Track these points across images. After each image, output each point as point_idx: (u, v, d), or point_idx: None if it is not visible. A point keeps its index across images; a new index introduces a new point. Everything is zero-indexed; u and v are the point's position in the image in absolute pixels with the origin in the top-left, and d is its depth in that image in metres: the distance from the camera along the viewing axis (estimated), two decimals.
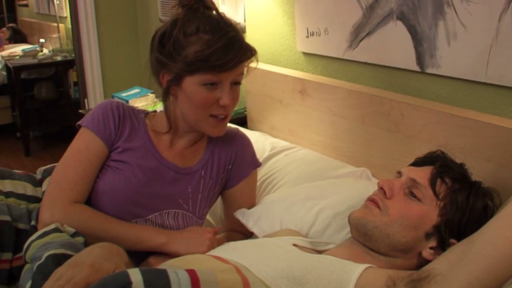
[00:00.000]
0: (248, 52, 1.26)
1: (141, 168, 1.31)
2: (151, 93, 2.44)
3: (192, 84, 1.24)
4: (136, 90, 2.46)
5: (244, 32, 2.24)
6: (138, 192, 1.29)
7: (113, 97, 2.47)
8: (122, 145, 1.31)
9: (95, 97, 3.43)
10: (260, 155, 1.54)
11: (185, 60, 1.22)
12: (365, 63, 1.76)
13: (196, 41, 1.22)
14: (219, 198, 1.49)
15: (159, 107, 2.37)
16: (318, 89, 1.85)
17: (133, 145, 1.33)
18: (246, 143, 1.47)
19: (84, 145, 1.29)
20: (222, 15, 1.28)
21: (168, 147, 1.37)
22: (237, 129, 1.49)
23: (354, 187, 1.48)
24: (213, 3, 1.30)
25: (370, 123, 1.65)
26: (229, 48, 1.22)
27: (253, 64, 1.31)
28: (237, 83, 1.30)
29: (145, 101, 2.36)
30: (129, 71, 3.45)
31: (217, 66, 1.22)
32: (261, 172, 1.70)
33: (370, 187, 1.43)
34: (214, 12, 1.30)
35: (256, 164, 1.48)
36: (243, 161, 1.44)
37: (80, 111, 2.76)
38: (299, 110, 1.95)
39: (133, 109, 1.40)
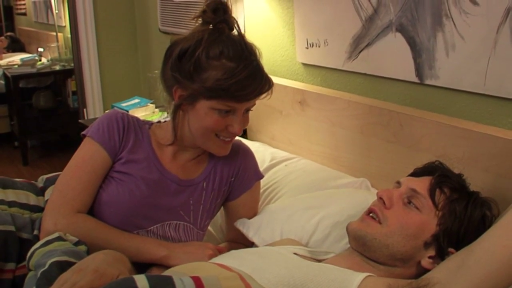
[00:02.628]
0: (267, 85, 1.27)
1: (144, 180, 1.32)
2: (151, 103, 2.46)
3: (205, 107, 1.25)
4: (136, 100, 2.49)
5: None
6: (140, 204, 1.30)
7: (112, 107, 2.48)
8: (126, 157, 1.33)
9: (94, 106, 3.45)
10: (260, 165, 1.55)
11: (204, 84, 1.22)
12: (365, 74, 1.79)
13: (218, 67, 1.22)
14: (221, 209, 1.51)
15: (159, 117, 2.40)
16: (318, 99, 1.87)
17: (137, 157, 1.34)
18: (249, 155, 1.48)
19: (89, 155, 1.30)
20: (244, 38, 1.28)
21: (171, 159, 1.38)
22: (240, 141, 1.50)
23: (354, 197, 1.49)
24: (237, 25, 1.30)
25: (369, 133, 1.67)
26: (251, 79, 1.23)
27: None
28: (249, 110, 1.32)
29: (145, 111, 2.39)
30: (128, 81, 3.47)
31: (237, 97, 1.23)
32: (261, 182, 1.70)
33: (369, 197, 1.45)
34: (237, 33, 1.29)
35: (259, 176, 1.50)
36: (246, 174, 1.45)
37: (79, 121, 2.78)
38: (299, 121, 1.96)
39: (137, 120, 1.41)
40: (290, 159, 1.90)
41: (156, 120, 1.54)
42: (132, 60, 3.48)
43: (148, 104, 2.45)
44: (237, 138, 1.41)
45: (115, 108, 2.46)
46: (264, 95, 1.29)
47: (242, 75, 1.21)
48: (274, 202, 1.64)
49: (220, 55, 1.22)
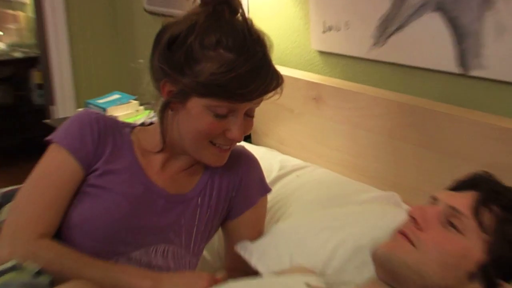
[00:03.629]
0: (275, 81, 1.27)
1: (125, 195, 1.32)
2: (134, 99, 2.47)
3: (198, 106, 1.25)
4: (116, 96, 2.49)
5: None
6: (120, 224, 1.30)
7: (87, 104, 2.50)
8: (102, 167, 1.33)
9: (64, 103, 3.47)
10: (266, 176, 1.56)
11: (197, 78, 1.22)
12: (394, 64, 1.79)
13: (214, 58, 1.22)
14: (219, 230, 1.51)
15: (144, 116, 2.40)
16: (337, 95, 1.87)
17: (116, 167, 1.34)
18: (253, 164, 1.48)
19: (55, 166, 1.30)
20: (250, 24, 1.27)
21: (158, 170, 1.38)
22: (243, 147, 1.50)
23: (380, 215, 1.49)
24: (241, 7, 1.29)
25: (399, 137, 1.67)
26: (254, 75, 1.22)
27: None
28: (252, 112, 1.32)
29: (127, 109, 2.40)
30: (106, 72, 3.48)
31: (236, 95, 1.23)
32: (269, 197, 1.71)
33: (399, 215, 1.41)
34: (241, 18, 1.28)
35: (265, 190, 1.50)
36: (250, 187, 1.46)
37: (45, 121, 2.79)
38: (313, 121, 1.96)
39: (116, 122, 1.42)
40: (303, 168, 1.90)
41: (139, 122, 1.54)
42: (111, 46, 3.49)
43: (131, 100, 2.46)
44: (240, 144, 1.41)
45: (89, 107, 2.47)
46: (270, 94, 1.28)
47: (243, 68, 1.21)
48: (283, 220, 1.64)
49: (217, 44, 1.22)
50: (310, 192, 1.73)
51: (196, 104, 1.26)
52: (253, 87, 1.23)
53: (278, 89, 1.29)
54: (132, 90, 2.72)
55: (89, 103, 2.51)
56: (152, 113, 2.45)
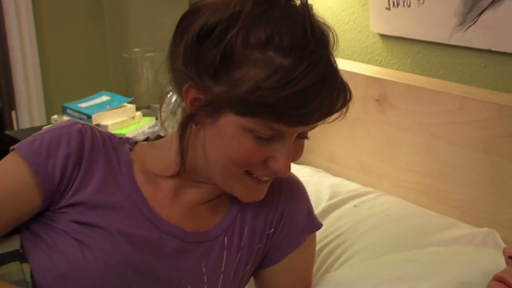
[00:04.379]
0: (342, 98, 1.24)
1: (126, 236, 1.32)
2: (129, 102, 2.48)
3: (235, 125, 1.23)
4: (104, 98, 2.50)
5: None
6: (120, 272, 1.30)
7: (64, 108, 2.51)
8: (91, 199, 1.33)
9: (29, 107, 3.48)
10: (314, 206, 1.55)
11: (236, 89, 1.20)
12: (489, 51, 1.78)
13: (261, 62, 1.19)
14: (251, 280, 1.51)
15: (143, 125, 2.41)
16: (408, 95, 1.86)
17: (109, 199, 1.34)
18: (299, 192, 1.48)
19: (2, 172, 1.32)
20: (312, 15, 1.23)
21: (170, 200, 1.38)
22: None
23: (473, 260, 1.49)
24: None
25: (498, 152, 1.66)
26: (316, 91, 1.19)
27: None
28: (305, 135, 1.31)
29: (120, 115, 2.40)
30: (90, 66, 3.49)
31: (289, 117, 1.20)
32: (317, 235, 1.70)
33: (500, 259, 1.40)
34: (299, 4, 1.24)
35: (315, 226, 1.50)
36: (294, 221, 1.45)
37: (6, 132, 2.80)
38: (375, 131, 1.96)
39: (111, 137, 1.41)
40: (362, 195, 1.90)
41: (141, 135, 1.53)
42: (95, 31, 3.51)
43: (124, 104, 2.46)
44: None
45: (67, 113, 2.49)
46: (335, 115, 1.26)
47: (302, 83, 1.18)
48: (340, 267, 1.64)
49: (266, 43, 1.20)
50: (375, 228, 1.72)
51: (231, 123, 1.24)
52: (313, 107, 1.20)
53: (345, 109, 1.27)
54: (125, 90, 2.74)
55: (67, 108, 2.52)
56: (153, 121, 2.49)
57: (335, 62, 1.25)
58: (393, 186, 1.93)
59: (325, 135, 2.12)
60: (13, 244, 1.34)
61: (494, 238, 1.65)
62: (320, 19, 1.26)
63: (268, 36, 1.19)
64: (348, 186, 1.96)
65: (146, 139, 1.47)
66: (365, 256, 1.64)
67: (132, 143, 1.43)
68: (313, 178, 1.98)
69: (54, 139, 1.33)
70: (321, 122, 1.26)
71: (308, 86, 1.18)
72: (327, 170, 2.12)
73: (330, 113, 1.24)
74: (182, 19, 1.29)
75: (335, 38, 1.26)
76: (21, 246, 1.34)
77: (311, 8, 1.24)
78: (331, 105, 1.23)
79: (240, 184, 1.32)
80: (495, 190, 1.70)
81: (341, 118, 1.27)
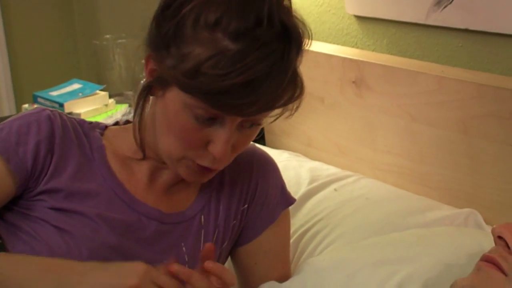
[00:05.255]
0: (287, 94, 1.23)
1: (105, 220, 1.32)
2: (102, 89, 2.47)
3: (179, 101, 1.23)
4: (76, 86, 2.48)
5: None
6: (103, 256, 1.28)
7: (35, 97, 2.49)
8: (66, 187, 1.32)
9: None
10: (294, 192, 1.56)
11: (181, 65, 1.20)
12: (466, 30, 1.78)
13: (207, 43, 1.19)
14: (228, 260, 1.51)
15: (116, 112, 2.39)
16: (385, 77, 1.86)
17: (85, 186, 1.33)
18: (270, 167, 1.48)
19: None
20: (275, 8, 1.20)
21: (145, 183, 1.38)
22: (254, 146, 1.50)
23: (456, 241, 1.48)
24: None
25: (477, 133, 1.66)
26: (258, 84, 1.18)
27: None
28: (253, 125, 1.28)
29: (93, 103, 2.39)
30: (58, 56, 3.46)
31: (225, 106, 1.20)
32: (298, 220, 1.71)
33: (483, 240, 1.44)
34: None
35: (288, 200, 1.50)
36: (268, 197, 1.46)
37: None
38: (353, 114, 1.96)
39: (81, 123, 1.41)
40: (342, 178, 1.90)
41: (111, 121, 1.51)
42: (63, 19, 3.48)
43: (97, 91, 2.45)
44: (252, 142, 1.40)
45: (38, 102, 2.47)
46: (277, 110, 1.26)
47: (243, 75, 1.16)
48: (322, 252, 1.63)
49: (216, 24, 1.19)
50: (356, 212, 1.72)
51: (176, 98, 1.24)
52: (251, 100, 1.19)
53: (290, 105, 1.26)
54: (97, 78, 2.72)
55: (38, 96, 2.48)
56: (127, 108, 2.47)
57: (295, 58, 1.23)
58: (371, 169, 1.93)
59: (302, 119, 2.09)
60: None
61: (475, 218, 1.66)
62: (295, 14, 1.25)
63: (218, 18, 1.19)
64: (328, 170, 1.95)
65: (116, 123, 1.47)
66: (347, 240, 1.64)
67: (102, 127, 1.43)
68: (291, 163, 1.97)
69: (23, 127, 1.32)
70: (262, 115, 1.25)
71: (249, 80, 1.17)
72: (305, 154, 2.12)
73: (271, 107, 1.23)
74: None
75: (310, 35, 1.25)
76: (0, 237, 1.33)
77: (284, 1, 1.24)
78: (273, 100, 1.22)
79: (182, 165, 1.31)
80: (474, 171, 1.70)
81: (291, 114, 1.28)
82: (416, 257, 1.43)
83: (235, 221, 1.44)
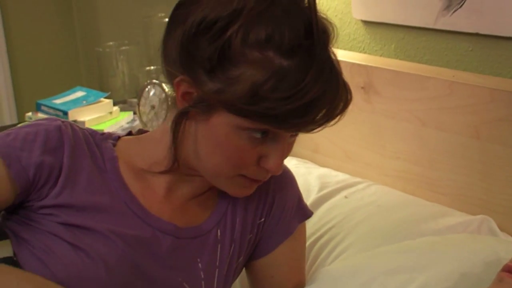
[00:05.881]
0: (343, 102, 1.23)
1: (119, 235, 1.30)
2: (106, 97, 2.46)
3: (229, 124, 1.21)
4: (80, 94, 2.47)
5: None
6: (122, 274, 1.28)
7: (38, 105, 2.48)
8: (78, 201, 1.30)
9: None
10: (304, 198, 1.54)
11: (231, 89, 1.18)
12: (477, 34, 1.77)
13: (260, 63, 1.16)
14: (242, 273, 1.50)
15: (120, 120, 2.38)
16: (395, 82, 1.85)
17: (98, 200, 1.31)
18: (288, 179, 1.48)
19: None
20: (316, 12, 1.19)
21: (161, 197, 1.37)
22: None
23: (471, 248, 1.47)
24: None
25: (490, 138, 1.66)
26: (319, 99, 1.17)
27: None
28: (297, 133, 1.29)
29: (97, 111, 2.38)
30: (60, 64, 3.45)
31: (288, 124, 1.19)
32: (309, 228, 1.68)
33: (499, 247, 1.43)
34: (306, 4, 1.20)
35: (305, 213, 1.50)
36: (285, 210, 1.45)
37: None
38: (361, 119, 1.95)
39: (93, 133, 1.39)
40: (352, 185, 1.89)
41: (122, 130, 1.49)
42: (64, 26, 3.47)
43: (101, 99, 2.44)
44: None
45: (42, 110, 2.46)
46: (335, 120, 1.25)
47: (310, 94, 1.15)
48: (334, 261, 1.63)
49: (266, 41, 1.17)
50: (367, 219, 1.71)
51: (225, 121, 1.22)
52: (314, 115, 1.19)
53: (344, 112, 1.25)
54: (100, 85, 2.72)
55: (42, 104, 2.47)
56: (131, 116, 2.46)
57: (337, 61, 1.23)
58: (380, 175, 1.93)
59: None
60: (5, 251, 1.30)
61: (489, 225, 1.65)
62: (323, 15, 1.22)
63: (269, 35, 1.16)
64: (337, 176, 1.95)
65: (129, 134, 1.45)
66: (359, 248, 1.63)
67: (115, 138, 1.41)
68: (300, 170, 1.96)
69: (30, 134, 1.30)
70: (321, 127, 1.25)
71: (313, 99, 1.16)
72: (312, 160, 2.11)
73: (331, 118, 1.23)
74: (179, 7, 1.26)
75: (335, 32, 1.23)
76: (14, 253, 1.31)
77: (316, 4, 1.21)
78: (333, 110, 1.22)
79: (231, 183, 1.31)
80: (486, 176, 1.69)
81: (338, 119, 1.26)
82: (431, 265, 1.42)
83: (251, 235, 1.43)
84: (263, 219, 1.44)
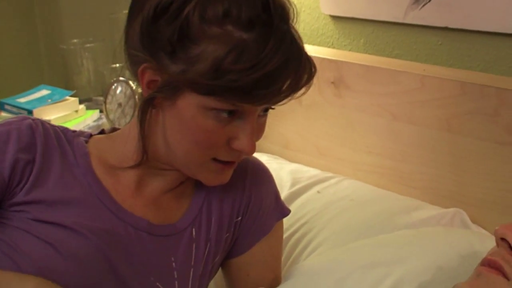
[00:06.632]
0: (307, 72, 1.23)
1: (91, 230, 1.28)
2: (72, 95, 2.44)
3: (195, 105, 1.21)
4: (44, 92, 2.45)
5: None
6: (89, 271, 1.27)
7: (2, 104, 2.45)
8: (49, 196, 1.29)
9: None
10: None
11: (194, 68, 1.18)
12: (445, 28, 1.78)
13: (219, 38, 1.17)
14: (219, 271, 1.49)
15: (86, 118, 2.36)
16: (365, 76, 1.86)
17: (69, 195, 1.30)
18: (264, 177, 1.47)
19: None
20: None
21: (132, 192, 1.35)
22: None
23: (446, 241, 1.47)
24: None
25: (461, 131, 1.67)
26: (283, 68, 1.17)
27: None
28: (268, 109, 1.29)
29: (63, 109, 2.37)
30: (22, 62, 3.41)
31: (252, 97, 1.18)
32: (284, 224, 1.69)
33: (473, 239, 1.44)
34: None
35: (282, 211, 1.49)
36: (262, 208, 1.45)
37: None
38: (332, 114, 1.95)
39: (64, 131, 1.38)
40: (324, 180, 1.89)
41: (88, 128, 1.48)
42: (25, 24, 3.43)
43: (67, 97, 2.42)
44: None
45: (5, 109, 2.44)
46: (302, 90, 1.25)
47: (272, 62, 1.15)
48: (310, 257, 1.63)
49: (224, 16, 1.17)
50: (341, 214, 1.71)
51: (190, 103, 1.21)
52: (279, 85, 1.19)
53: (310, 83, 1.25)
54: (65, 83, 2.69)
55: (5, 103, 2.45)
56: (97, 114, 2.45)
57: (299, 36, 1.24)
58: (352, 170, 1.93)
59: (279, 121, 2.10)
60: None
61: (461, 217, 1.66)
62: None
63: (226, 10, 1.17)
64: (308, 172, 1.95)
65: (101, 132, 1.44)
66: (333, 243, 1.63)
67: (87, 136, 1.40)
68: (272, 166, 1.93)
69: (3, 135, 1.29)
70: (288, 99, 1.25)
71: (276, 67, 1.16)
72: (283, 156, 2.11)
73: (297, 89, 1.23)
74: None
75: (295, 12, 1.24)
76: None
77: None
78: (298, 81, 1.22)
79: (204, 169, 1.30)
80: (458, 169, 1.71)
81: (304, 91, 1.26)
82: (407, 259, 1.42)
83: (228, 234, 1.42)
84: (239, 218, 1.43)
